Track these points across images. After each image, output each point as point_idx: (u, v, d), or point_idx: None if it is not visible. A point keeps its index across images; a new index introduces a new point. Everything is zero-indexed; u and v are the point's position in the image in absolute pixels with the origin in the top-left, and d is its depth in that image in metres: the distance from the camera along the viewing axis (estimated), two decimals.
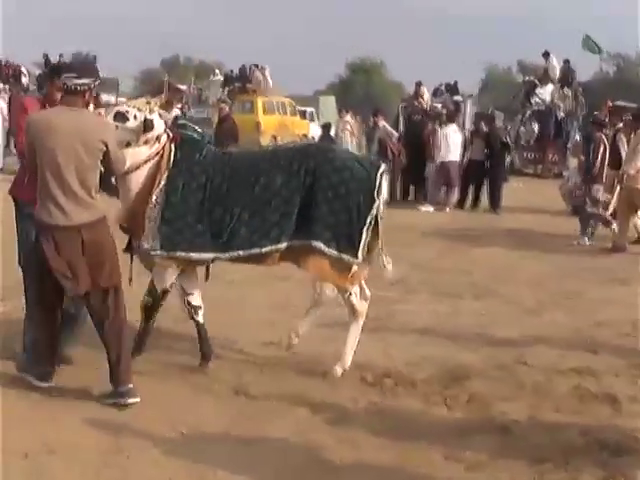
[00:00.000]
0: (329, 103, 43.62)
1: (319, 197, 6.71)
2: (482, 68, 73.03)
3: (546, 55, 30.52)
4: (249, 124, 28.96)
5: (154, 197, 6.70)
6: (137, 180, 6.78)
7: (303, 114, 37.19)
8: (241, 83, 34.38)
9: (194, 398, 6.46)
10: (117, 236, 6.64)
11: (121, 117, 6.74)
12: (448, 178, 19.59)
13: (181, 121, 7.76)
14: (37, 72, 34.04)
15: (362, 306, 7.13)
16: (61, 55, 34.06)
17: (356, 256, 6.77)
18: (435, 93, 31.02)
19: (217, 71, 40.53)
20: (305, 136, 34.02)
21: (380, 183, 6.89)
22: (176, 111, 20.87)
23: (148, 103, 6.94)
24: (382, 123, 19.53)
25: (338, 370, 7.04)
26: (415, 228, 15.50)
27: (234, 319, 8.31)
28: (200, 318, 7.10)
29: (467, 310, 9.60)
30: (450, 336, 8.37)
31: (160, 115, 6.95)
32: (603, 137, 14.94)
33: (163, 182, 6.71)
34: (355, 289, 7.07)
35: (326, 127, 22.94)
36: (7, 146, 21.79)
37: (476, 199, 19.97)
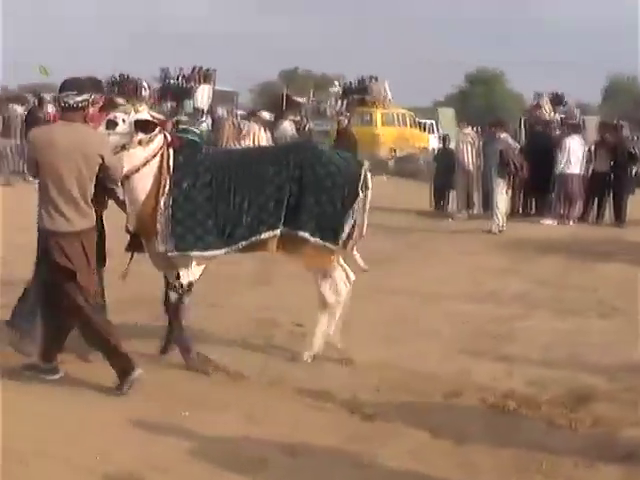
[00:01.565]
0: (448, 115, 43.26)
1: (306, 188, 7.17)
2: (605, 77, 71.66)
3: None
4: (368, 136, 28.94)
5: (162, 202, 7.02)
6: (141, 186, 7.08)
7: (422, 126, 36.97)
8: (360, 95, 34.41)
9: (307, 415, 6.32)
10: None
11: (112, 124, 7.01)
12: (569, 191, 19.08)
13: (182, 126, 8.04)
14: (155, 86, 34.69)
15: (342, 288, 7.54)
16: (180, 69, 34.69)
17: (337, 243, 7.29)
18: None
19: (336, 83, 40.64)
20: (424, 148, 33.82)
21: (365, 178, 7.38)
22: (287, 123, 21.02)
23: (133, 106, 7.26)
24: (503, 134, 19.13)
25: (306, 356, 7.51)
26: (536, 242, 15.17)
27: (347, 335, 8.14)
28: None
29: (592, 328, 9.21)
30: (574, 355, 8.05)
31: (152, 116, 7.27)
32: None
33: (167, 187, 7.02)
34: (340, 274, 7.55)
35: (445, 139, 22.70)
36: None
37: (600, 212, 19.39)
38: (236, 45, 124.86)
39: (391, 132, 32.35)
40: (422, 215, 18.94)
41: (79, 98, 6.42)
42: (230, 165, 7.33)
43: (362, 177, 7.39)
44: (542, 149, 19.74)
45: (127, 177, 6.99)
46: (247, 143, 19.55)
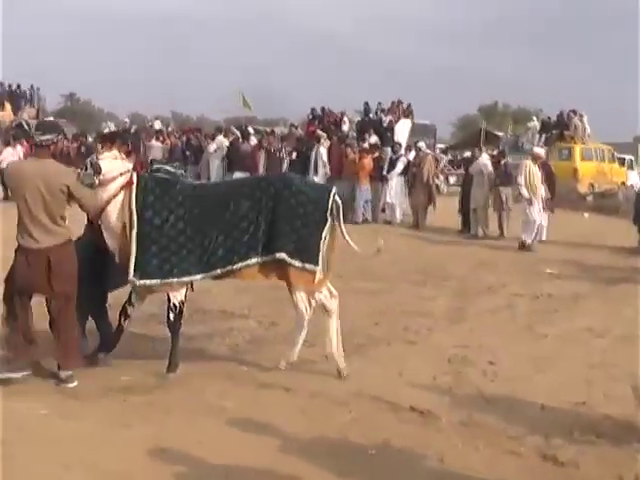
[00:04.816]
0: None
1: (281, 218, 7.90)
2: None
3: None
4: (566, 171, 28.46)
5: (133, 236, 7.81)
6: (111, 221, 7.96)
7: (622, 161, 36.03)
8: (559, 130, 33.86)
9: (500, 459, 6.20)
10: None
11: (85, 166, 8.01)
12: None
13: (155, 165, 8.54)
14: (357, 119, 35.15)
15: (332, 304, 8.21)
16: (379, 103, 35.05)
17: (317, 264, 7.95)
18: None
19: (534, 118, 40.09)
20: (623, 184, 32.94)
21: (331, 205, 8.06)
22: (485, 157, 20.85)
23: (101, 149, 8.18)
24: None
25: (341, 366, 8.10)
26: None
27: (547, 377, 8.03)
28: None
29: None
30: None
31: (120, 160, 8.11)
32: None
33: (137, 222, 7.80)
34: (325, 292, 8.19)
35: None
36: None
37: None
38: (434, 78, 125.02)
39: (590, 167, 31.67)
40: (624, 252, 18.36)
41: (44, 137, 7.71)
42: (205, 200, 8.08)
43: (330, 203, 8.06)
44: None
45: (101, 213, 7.95)
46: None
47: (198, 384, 7.76)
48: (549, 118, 37.20)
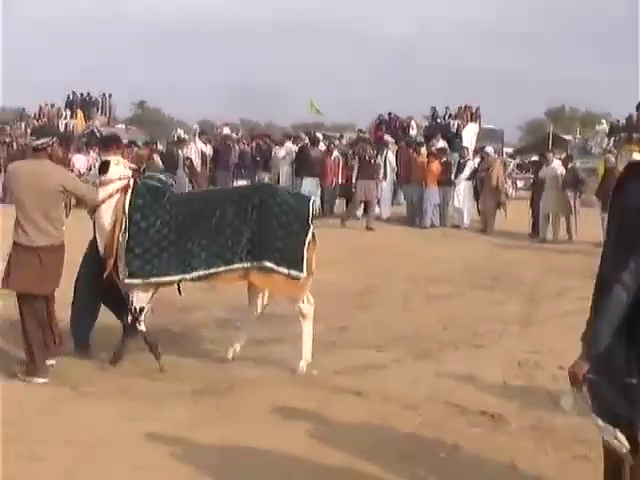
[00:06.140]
0: None
1: (265, 226, 8.28)
2: None
3: None
4: None
5: (120, 237, 8.29)
6: (103, 220, 8.43)
7: None
8: (627, 133, 33.50)
9: (570, 466, 6.16)
10: None
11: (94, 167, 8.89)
12: None
13: (147, 173, 9.05)
14: (424, 124, 35.19)
15: (308, 309, 8.62)
16: (447, 108, 35.08)
17: (301, 271, 8.28)
18: None
19: (603, 121, 39.68)
20: None
21: (312, 213, 8.53)
22: (557, 162, 20.76)
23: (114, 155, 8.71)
24: None
25: (303, 365, 8.46)
26: None
27: None
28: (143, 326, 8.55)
29: None
30: None
31: (122, 165, 8.64)
32: None
33: (124, 225, 8.28)
34: (304, 298, 8.57)
35: None
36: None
37: None
38: (501, 81, 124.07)
39: None
40: None
41: (38, 142, 8.09)
42: (192, 207, 8.53)
43: (310, 212, 8.52)
44: None
45: (96, 210, 8.48)
46: None
47: (268, 388, 7.88)
48: (618, 121, 36.83)
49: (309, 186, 23.40)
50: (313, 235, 8.50)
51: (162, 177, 9.08)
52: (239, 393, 7.77)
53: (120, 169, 8.59)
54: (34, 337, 8.03)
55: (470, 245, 19.07)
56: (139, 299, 8.47)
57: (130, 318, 8.50)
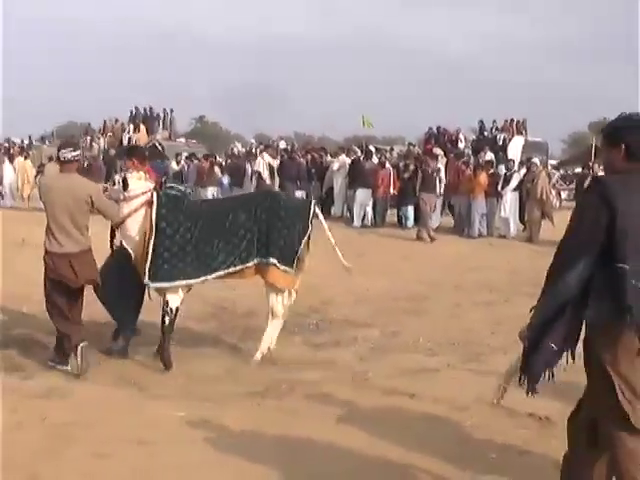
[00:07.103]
0: None
1: (272, 227, 9.15)
2: None
3: None
4: None
5: (150, 245, 8.83)
6: (130, 232, 9.03)
7: None
8: None
9: None
10: None
11: (118, 182, 9.21)
12: None
13: (168, 184, 9.56)
14: (472, 137, 35.42)
15: (280, 310, 9.40)
16: (494, 121, 35.18)
17: (293, 268, 9.23)
18: None
19: None
20: None
21: (312, 215, 9.41)
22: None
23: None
24: None
25: (258, 356, 9.26)
26: None
27: None
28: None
29: None
30: None
31: (144, 180, 9.19)
32: None
33: (154, 233, 8.84)
34: (286, 294, 9.38)
35: None
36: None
37: None
38: (547, 94, 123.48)
39: None
40: None
41: (74, 154, 8.75)
42: (209, 214, 9.24)
43: (312, 212, 9.45)
44: None
45: (121, 224, 9.03)
46: None
47: (325, 390, 8.09)
48: None
49: (362, 197, 24.12)
50: (309, 237, 9.39)
51: (181, 187, 9.79)
52: (299, 395, 8.00)
53: (142, 184, 9.15)
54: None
55: (516, 254, 19.24)
56: (172, 300, 9.11)
57: (168, 319, 9.13)
